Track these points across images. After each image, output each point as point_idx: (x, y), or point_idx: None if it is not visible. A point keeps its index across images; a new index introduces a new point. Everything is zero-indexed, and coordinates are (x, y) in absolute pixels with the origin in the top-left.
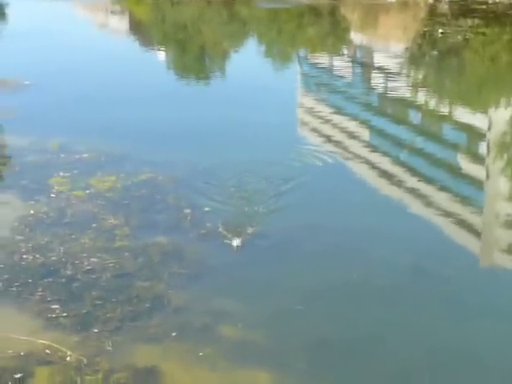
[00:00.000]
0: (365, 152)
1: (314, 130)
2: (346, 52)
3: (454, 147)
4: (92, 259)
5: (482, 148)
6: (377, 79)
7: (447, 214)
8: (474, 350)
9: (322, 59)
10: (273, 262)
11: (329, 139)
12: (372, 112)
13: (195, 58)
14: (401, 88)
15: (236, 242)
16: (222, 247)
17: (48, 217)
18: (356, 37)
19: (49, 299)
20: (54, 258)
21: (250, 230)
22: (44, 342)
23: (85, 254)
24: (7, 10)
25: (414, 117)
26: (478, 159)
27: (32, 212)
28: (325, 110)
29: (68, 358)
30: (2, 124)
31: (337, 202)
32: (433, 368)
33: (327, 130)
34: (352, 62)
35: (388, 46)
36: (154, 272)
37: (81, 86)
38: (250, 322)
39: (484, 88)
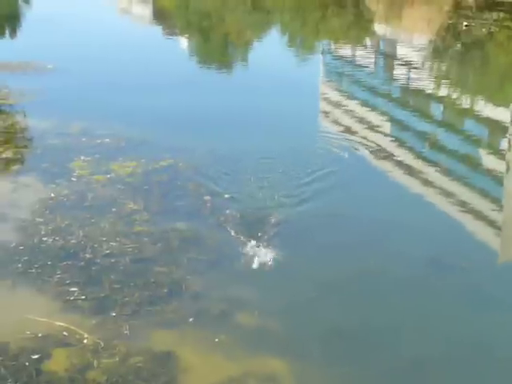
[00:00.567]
0: (385, 143)
1: (335, 120)
2: (369, 43)
3: (476, 141)
4: (111, 243)
5: (504, 142)
6: (399, 71)
7: (467, 208)
8: (491, 343)
9: (345, 50)
10: (291, 250)
11: (349, 130)
12: (394, 104)
13: (218, 46)
14: (423, 80)
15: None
16: (241, 234)
17: (68, 200)
18: (380, 28)
19: (67, 282)
20: (73, 241)
21: (269, 218)
22: (62, 324)
23: (104, 238)
24: None
25: (436, 110)
26: (499, 153)
27: (53, 195)
28: (346, 101)
29: (85, 341)
30: (25, 107)
31: (356, 193)
32: (449, 360)
33: (348, 120)
34: (375, 53)
35: (412, 38)
36: (173, 257)
37: (103, 71)
38: (266, 310)
39: (507, 82)
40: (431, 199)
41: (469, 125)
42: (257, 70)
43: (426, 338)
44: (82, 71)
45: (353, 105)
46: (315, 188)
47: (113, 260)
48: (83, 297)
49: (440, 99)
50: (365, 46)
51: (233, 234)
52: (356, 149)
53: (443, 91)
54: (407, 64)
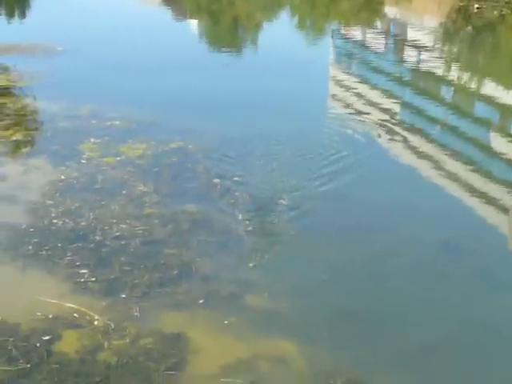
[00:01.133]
0: (395, 126)
1: (345, 102)
2: (379, 26)
3: (486, 124)
4: (121, 225)
5: None
6: (410, 54)
7: (478, 192)
8: (501, 326)
9: (355, 33)
10: (301, 233)
11: (359, 112)
12: (404, 86)
13: (228, 29)
14: (434, 63)
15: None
16: (250, 217)
17: (78, 182)
18: (390, 11)
19: (78, 264)
20: (83, 223)
21: (279, 201)
22: (72, 305)
23: (114, 220)
24: None
25: (446, 92)
26: (509, 137)
27: (63, 177)
28: (356, 84)
29: (96, 323)
30: (35, 89)
31: (366, 176)
32: (459, 343)
33: (358, 103)
34: (385, 35)
35: (422, 21)
36: (183, 240)
37: (113, 53)
38: (276, 293)
39: None
40: (441, 182)
41: (479, 108)
42: (266, 52)
43: (435, 321)
44: (92, 53)
45: (362, 87)
46: (325, 171)
47: (123, 242)
48: (93, 279)
49: (450, 82)
50: (375, 29)
51: (242, 216)
52: (365, 131)
53: (453, 74)
54: (417, 46)
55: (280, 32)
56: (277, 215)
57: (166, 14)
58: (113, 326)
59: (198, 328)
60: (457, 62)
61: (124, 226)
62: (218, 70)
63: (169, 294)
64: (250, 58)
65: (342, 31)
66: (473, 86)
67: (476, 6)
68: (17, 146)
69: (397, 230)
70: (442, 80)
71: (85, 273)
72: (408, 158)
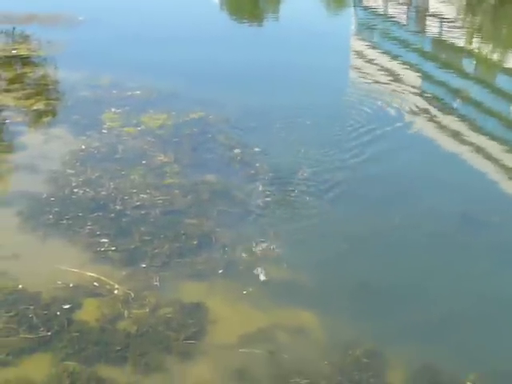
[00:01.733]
0: (416, 98)
1: (366, 75)
2: None
3: (508, 97)
4: (141, 195)
5: None
6: (431, 26)
7: (499, 165)
8: None
9: (377, 3)
10: (321, 204)
11: (380, 84)
12: (425, 58)
13: (249, 0)
14: (456, 35)
15: (262, 276)
16: (271, 188)
17: (99, 152)
18: None
19: (98, 233)
20: (103, 192)
21: (299, 172)
22: (92, 274)
23: (134, 190)
24: None
25: (469, 64)
26: None
27: (83, 147)
28: (377, 56)
29: (116, 292)
30: (55, 59)
31: (386, 149)
32: (479, 316)
33: (379, 75)
34: (407, 7)
35: None
36: (203, 210)
37: (134, 24)
38: (295, 263)
39: None
40: (463, 155)
41: (501, 80)
42: (288, 23)
43: (455, 293)
44: (113, 23)
45: (383, 58)
46: (345, 142)
47: (143, 212)
48: (113, 248)
49: (472, 53)
50: (397, 0)
51: (262, 187)
52: (386, 103)
53: (476, 45)
54: (440, 18)
55: (302, 3)
56: (297, 187)
57: None
58: (133, 295)
59: (217, 298)
60: (479, 33)
61: (144, 195)
62: (238, 40)
63: (188, 264)
64: (271, 29)
65: (364, 2)
66: (495, 58)
67: None
68: (38, 116)
69: (417, 201)
70: (463, 52)
71: (105, 242)
72: (429, 130)
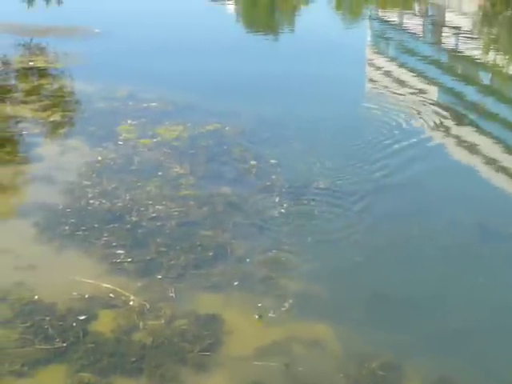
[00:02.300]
0: (432, 110)
1: (382, 86)
2: (417, 9)
3: None
4: (157, 207)
5: None
6: (447, 38)
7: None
8: None
9: (393, 16)
10: (337, 215)
11: (396, 96)
12: (441, 70)
13: (264, 12)
14: (472, 47)
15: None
16: (286, 199)
17: (115, 163)
18: None
19: (114, 244)
20: (119, 204)
21: (315, 184)
22: (108, 285)
23: (150, 202)
24: None
25: (484, 76)
26: None
27: (99, 158)
28: (393, 67)
29: (131, 303)
30: (72, 71)
31: (403, 161)
32: (495, 329)
33: (395, 86)
34: (423, 19)
35: (460, 5)
36: (218, 221)
37: (150, 36)
38: (311, 275)
39: None
40: (480, 167)
41: None
42: (303, 35)
43: (472, 305)
44: (129, 36)
45: (399, 70)
46: (361, 155)
47: (159, 223)
48: (129, 259)
49: (489, 66)
50: (413, 12)
51: (278, 199)
52: (402, 115)
53: (492, 58)
54: (456, 30)
55: (317, 14)
56: (312, 198)
57: None
58: (148, 306)
59: (233, 310)
60: (495, 45)
61: (160, 207)
62: (254, 52)
63: (204, 276)
64: (286, 40)
65: (380, 14)
66: (511, 70)
67: None
68: (54, 127)
69: (434, 212)
70: (479, 64)
71: (121, 253)
72: (445, 142)
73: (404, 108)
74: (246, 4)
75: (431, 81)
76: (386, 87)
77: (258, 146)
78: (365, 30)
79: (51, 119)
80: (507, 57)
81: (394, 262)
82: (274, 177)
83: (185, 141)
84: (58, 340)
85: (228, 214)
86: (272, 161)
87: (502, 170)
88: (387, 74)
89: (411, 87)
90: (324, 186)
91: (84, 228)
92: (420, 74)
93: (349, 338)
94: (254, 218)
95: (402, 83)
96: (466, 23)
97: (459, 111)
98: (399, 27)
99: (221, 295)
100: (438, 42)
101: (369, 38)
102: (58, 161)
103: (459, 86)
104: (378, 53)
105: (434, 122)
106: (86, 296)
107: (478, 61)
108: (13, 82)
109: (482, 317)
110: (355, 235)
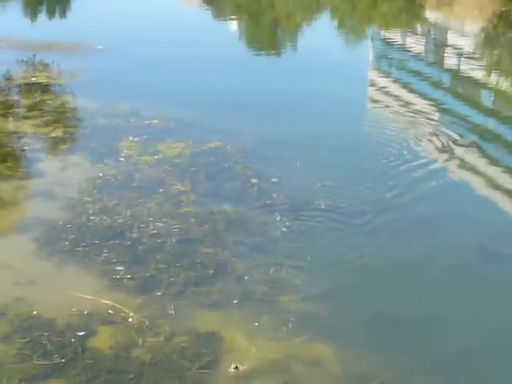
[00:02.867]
0: (434, 131)
1: (384, 106)
2: (419, 30)
3: None
4: (158, 223)
5: None
6: (450, 59)
7: None
8: None
9: (395, 36)
10: (338, 235)
11: (397, 117)
12: (444, 91)
13: (267, 31)
14: (474, 68)
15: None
16: (287, 218)
17: (116, 180)
18: (431, 15)
19: (114, 261)
20: (120, 220)
21: (316, 203)
22: (107, 302)
23: (151, 218)
24: None
25: (487, 98)
26: None
27: (100, 174)
28: (395, 88)
29: (130, 319)
30: (74, 87)
31: (403, 181)
32: (497, 351)
33: (397, 107)
34: (425, 40)
35: (463, 26)
36: (219, 239)
37: (153, 53)
38: (311, 294)
39: None
40: (481, 189)
41: None
42: (306, 54)
43: (473, 326)
44: (132, 52)
45: (401, 91)
46: (361, 175)
47: (159, 240)
48: (129, 276)
49: (491, 88)
50: (415, 33)
51: (279, 218)
52: (402, 135)
53: (494, 79)
54: (458, 51)
55: (319, 34)
56: (313, 217)
57: (206, 14)
58: (147, 323)
59: (232, 328)
60: (497, 67)
61: (160, 224)
62: (257, 71)
63: (204, 293)
64: (289, 59)
65: (382, 34)
66: None
67: None
68: (56, 143)
69: (435, 233)
70: (481, 85)
71: (120, 270)
72: (445, 163)
73: (404, 128)
74: (249, 22)
75: (433, 101)
76: (388, 107)
77: (259, 165)
78: (367, 50)
79: (53, 135)
80: (510, 78)
81: (395, 283)
82: (274, 195)
83: (186, 158)
84: (56, 356)
85: (228, 232)
86: (273, 179)
87: (504, 191)
88: (388, 94)
89: (412, 108)
90: (325, 205)
91: (84, 244)
92: (421, 95)
93: (348, 357)
94: (255, 237)
95: (403, 103)
96: (468, 44)
97: (459, 132)
98: (402, 48)
99: (220, 313)
100: (440, 63)
101: (371, 58)
102: (58, 176)
103: (461, 107)
104: (380, 72)
105: (434, 144)
106: (85, 312)
107: (480, 82)
108: (15, 97)
109: (482, 338)
110: (357, 255)
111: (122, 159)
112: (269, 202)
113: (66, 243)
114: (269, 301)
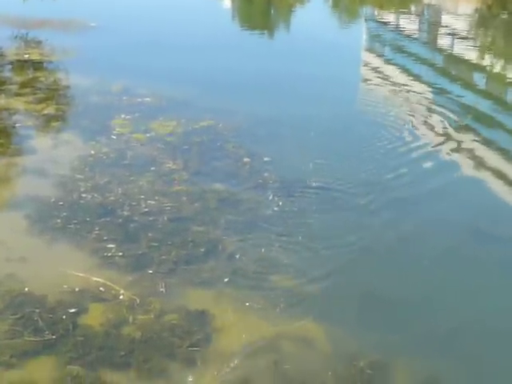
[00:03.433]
0: (427, 113)
1: (377, 87)
2: (413, 11)
3: None
4: (149, 201)
5: None
6: (443, 40)
7: (509, 180)
8: None
9: (389, 17)
10: (329, 215)
11: (390, 97)
12: (436, 73)
13: (261, 10)
14: (467, 49)
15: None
16: (279, 197)
17: (108, 158)
18: None
19: (105, 238)
20: (111, 198)
21: (307, 183)
22: (98, 279)
23: (142, 196)
24: None
25: (480, 79)
26: None
27: (92, 152)
28: (388, 69)
29: (121, 297)
30: (67, 64)
31: (396, 162)
32: (487, 330)
33: (389, 88)
34: (419, 21)
35: (457, 7)
36: (210, 218)
37: (146, 31)
38: (302, 273)
39: None
40: (473, 171)
41: None
42: (299, 34)
43: (464, 307)
44: (125, 30)
45: (394, 71)
46: (354, 155)
47: (151, 218)
48: (120, 253)
49: (484, 69)
50: (409, 14)
51: (271, 196)
52: (396, 117)
53: (488, 61)
54: (452, 32)
55: (313, 14)
56: (305, 196)
57: None
58: (138, 301)
59: (223, 306)
60: (491, 48)
61: (152, 202)
62: (250, 50)
63: (195, 271)
64: (282, 39)
65: (376, 15)
66: (506, 73)
67: None
68: (48, 120)
69: (427, 215)
70: (475, 66)
71: (112, 247)
72: (437, 144)
73: (396, 108)
74: (242, 1)
75: (426, 82)
76: (381, 88)
77: (251, 144)
78: (361, 30)
79: (45, 112)
80: (503, 59)
81: (387, 263)
82: (266, 174)
83: (178, 136)
84: (47, 332)
85: (220, 211)
86: (265, 158)
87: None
88: (382, 74)
89: (405, 88)
90: (316, 184)
91: (76, 221)
92: (414, 76)
93: (339, 337)
94: (246, 215)
95: (395, 84)
96: (462, 25)
97: (454, 113)
98: (395, 29)
99: (211, 291)
100: (433, 44)
101: (364, 39)
102: (50, 154)
103: (454, 88)
104: (373, 53)
105: (427, 125)
106: (77, 289)
107: (473, 63)
108: (7, 74)
109: (473, 319)
110: (348, 233)
111: (114, 137)
112: (260, 180)
113: (58, 220)
114: (260, 279)
